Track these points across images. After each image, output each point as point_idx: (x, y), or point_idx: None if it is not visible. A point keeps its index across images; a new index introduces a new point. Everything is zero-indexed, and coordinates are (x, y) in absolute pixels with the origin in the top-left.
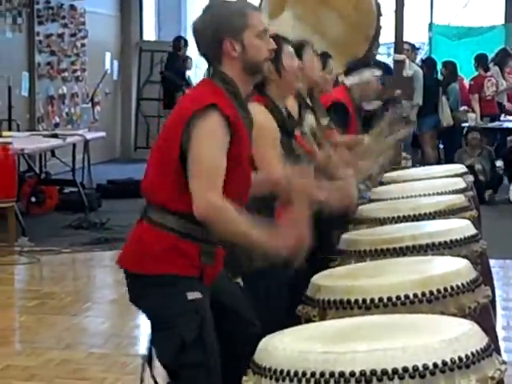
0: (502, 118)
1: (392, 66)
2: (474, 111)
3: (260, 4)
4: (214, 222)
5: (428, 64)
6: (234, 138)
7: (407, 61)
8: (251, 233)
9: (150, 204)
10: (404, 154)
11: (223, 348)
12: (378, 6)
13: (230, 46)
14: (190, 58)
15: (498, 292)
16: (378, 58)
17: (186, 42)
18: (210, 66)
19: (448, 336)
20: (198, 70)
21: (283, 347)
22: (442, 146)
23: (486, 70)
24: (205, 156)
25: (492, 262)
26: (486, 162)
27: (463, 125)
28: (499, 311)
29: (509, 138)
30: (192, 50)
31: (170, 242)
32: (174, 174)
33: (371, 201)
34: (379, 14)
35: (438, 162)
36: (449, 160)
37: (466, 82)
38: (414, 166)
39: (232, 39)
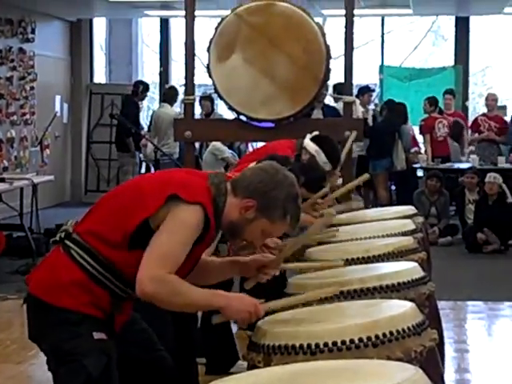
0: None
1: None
2: (425, 152)
3: (209, 47)
4: (158, 297)
5: (390, 106)
6: (199, 239)
7: (357, 102)
8: (202, 298)
9: (78, 237)
10: (356, 197)
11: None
12: (328, 48)
13: (251, 207)
14: (141, 103)
15: (449, 334)
16: (327, 100)
17: (146, 87)
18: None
19: (392, 382)
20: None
21: None
22: (393, 188)
23: (440, 112)
24: (172, 245)
25: (443, 303)
26: (442, 209)
27: (415, 166)
28: (451, 353)
29: (461, 179)
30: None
31: (81, 279)
32: (124, 231)
33: (320, 243)
34: (329, 57)
35: (391, 204)
36: (401, 201)
37: (414, 126)
38: (366, 207)
39: (258, 208)
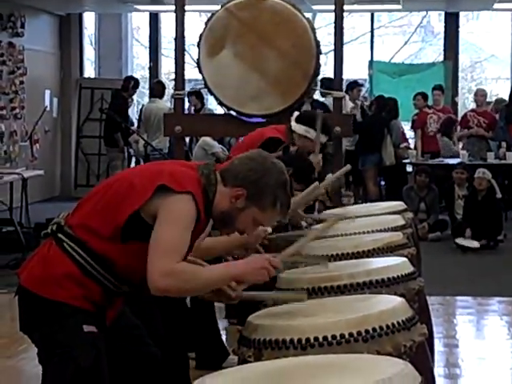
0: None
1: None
2: (414, 148)
3: (199, 42)
4: (174, 289)
5: (379, 102)
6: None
7: (347, 98)
8: (216, 276)
9: (70, 231)
10: (346, 192)
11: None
12: (318, 43)
13: (241, 195)
14: (132, 98)
15: (438, 329)
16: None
17: (136, 83)
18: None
19: (381, 376)
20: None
21: None
22: (383, 183)
23: (429, 107)
24: (173, 236)
25: (432, 298)
26: (431, 204)
27: (404, 161)
28: (440, 348)
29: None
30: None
31: (74, 272)
32: (116, 225)
33: None
34: (318, 52)
35: (380, 199)
36: (390, 196)
37: (403, 122)
38: (356, 202)
39: (248, 197)
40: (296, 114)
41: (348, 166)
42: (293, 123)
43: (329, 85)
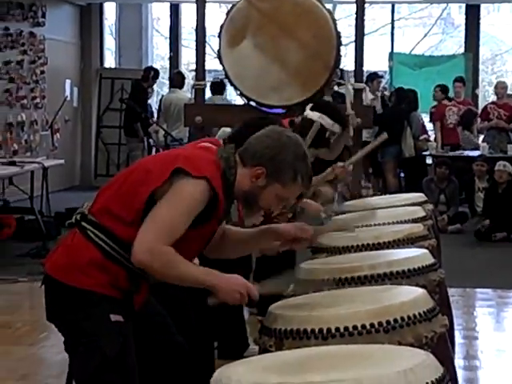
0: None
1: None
2: (434, 140)
3: (219, 33)
4: (152, 267)
5: (399, 94)
6: (209, 213)
7: (367, 89)
8: (194, 274)
9: (93, 218)
10: (365, 184)
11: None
12: (338, 34)
13: (261, 174)
14: (152, 89)
15: (458, 321)
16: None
17: (156, 74)
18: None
19: (403, 367)
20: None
21: (237, 378)
22: (402, 175)
23: (449, 99)
24: (170, 216)
25: (452, 290)
26: (451, 196)
27: (424, 153)
28: (459, 340)
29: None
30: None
31: (98, 258)
32: (136, 209)
33: None
34: (339, 43)
35: (400, 191)
36: (409, 188)
37: (423, 113)
38: (375, 194)
39: (268, 174)
40: (311, 104)
41: (385, 135)
42: (307, 111)
43: (342, 75)
